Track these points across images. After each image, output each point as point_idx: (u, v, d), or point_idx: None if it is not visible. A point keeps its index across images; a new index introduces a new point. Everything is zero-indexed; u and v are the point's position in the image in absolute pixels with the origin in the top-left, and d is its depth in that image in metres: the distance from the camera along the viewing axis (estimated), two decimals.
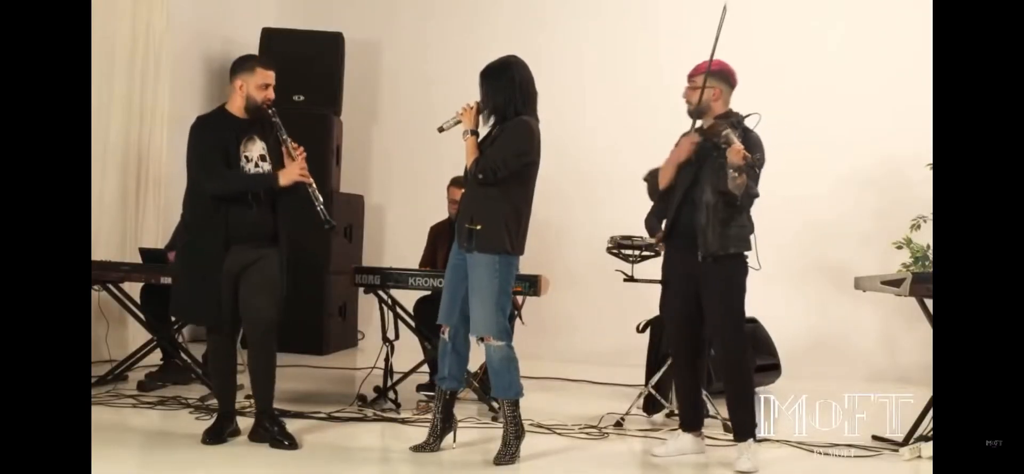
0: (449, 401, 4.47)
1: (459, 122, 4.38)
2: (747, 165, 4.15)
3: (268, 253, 4.40)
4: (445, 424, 4.46)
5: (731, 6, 4.44)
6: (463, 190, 5.87)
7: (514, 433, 4.31)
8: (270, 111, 4.41)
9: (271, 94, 4.44)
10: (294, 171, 4.37)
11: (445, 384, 4.44)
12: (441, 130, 4.45)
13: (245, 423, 4.59)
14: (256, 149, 4.43)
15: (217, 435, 4.44)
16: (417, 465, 4.36)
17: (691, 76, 4.54)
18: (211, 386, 5.17)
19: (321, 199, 4.42)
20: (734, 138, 4.21)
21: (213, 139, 4.38)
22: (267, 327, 4.42)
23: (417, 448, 4.42)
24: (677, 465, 4.49)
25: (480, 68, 4.44)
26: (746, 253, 4.43)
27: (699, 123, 4.49)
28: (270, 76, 4.45)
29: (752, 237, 4.43)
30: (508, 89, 4.30)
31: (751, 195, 4.33)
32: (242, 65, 4.47)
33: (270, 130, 4.45)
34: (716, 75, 4.46)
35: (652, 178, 4.68)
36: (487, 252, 4.22)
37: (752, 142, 4.36)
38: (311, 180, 4.40)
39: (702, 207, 4.36)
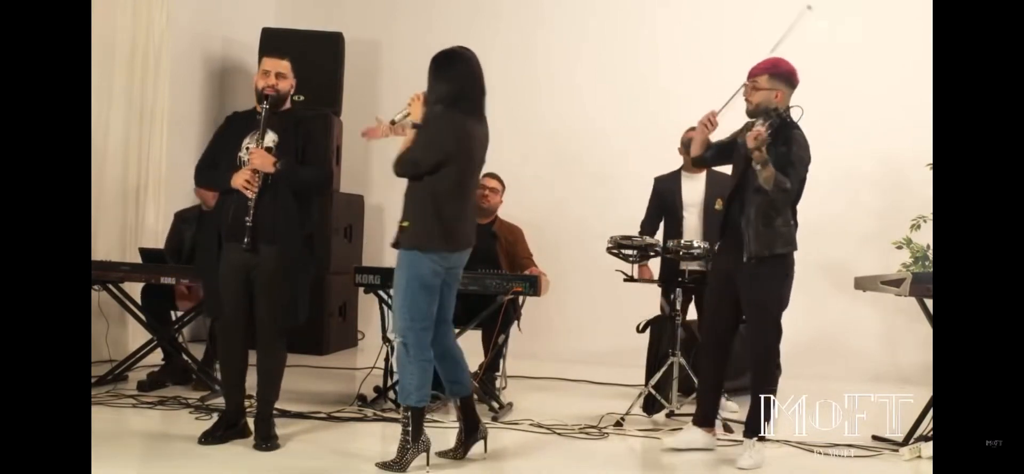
0: (464, 406, 4.31)
1: (408, 114, 4.21)
2: (765, 155, 4.14)
3: (267, 254, 4.33)
4: (468, 432, 4.30)
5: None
6: (493, 181, 5.88)
7: (404, 440, 4.07)
8: (265, 103, 4.39)
9: (272, 80, 4.42)
10: (239, 177, 4.30)
11: (447, 391, 4.38)
12: (393, 123, 4.31)
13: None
14: (263, 142, 4.39)
15: (218, 435, 4.43)
16: (417, 464, 4.36)
17: (751, 75, 4.47)
18: (213, 383, 5.28)
19: (251, 214, 4.27)
20: (759, 127, 4.18)
21: (221, 133, 4.54)
22: (267, 330, 4.39)
23: (442, 454, 4.28)
24: (683, 463, 4.50)
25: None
26: (792, 252, 4.40)
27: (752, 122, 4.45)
28: (270, 63, 4.47)
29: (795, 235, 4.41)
30: (445, 81, 4.13)
31: (783, 189, 4.25)
32: (259, 63, 4.58)
33: (292, 124, 4.44)
34: (778, 76, 4.41)
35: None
36: (410, 248, 4.06)
37: (793, 140, 4.33)
38: (251, 191, 4.27)
39: (747, 207, 4.36)
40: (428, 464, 4.14)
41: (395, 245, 4.12)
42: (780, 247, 4.35)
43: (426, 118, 4.11)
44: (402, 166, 4.09)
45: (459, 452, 4.28)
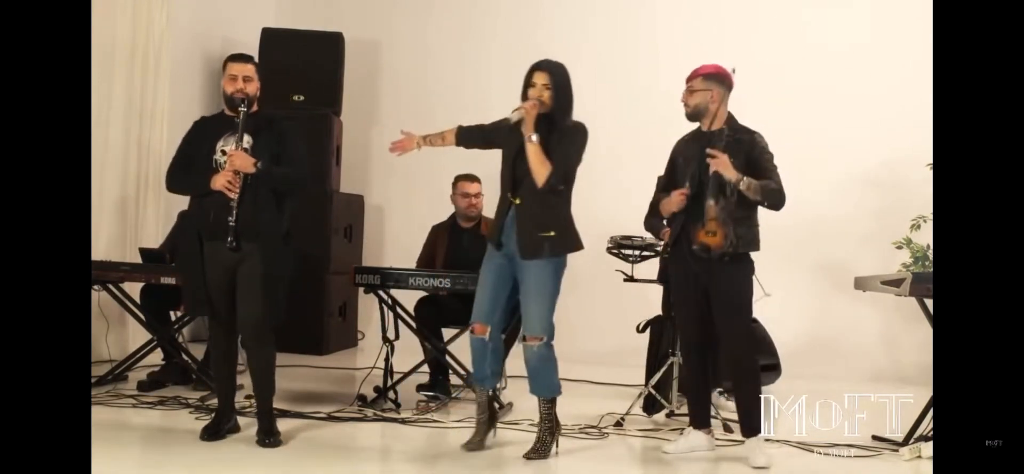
0: (493, 399, 4.65)
1: (521, 119, 4.33)
2: (739, 175, 4.29)
3: (250, 252, 4.33)
4: (491, 422, 4.60)
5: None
6: (475, 185, 5.83)
7: (548, 429, 4.43)
8: (241, 107, 4.40)
9: (240, 84, 4.44)
10: (221, 179, 4.33)
11: (488, 383, 4.53)
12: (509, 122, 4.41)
13: (247, 422, 4.61)
14: (241, 144, 4.40)
15: (214, 432, 4.46)
16: (417, 464, 4.37)
17: (688, 80, 4.58)
18: (212, 382, 5.22)
19: (234, 214, 4.30)
20: (718, 154, 4.30)
21: (191, 138, 4.53)
22: (252, 330, 4.39)
23: (466, 446, 4.50)
24: (684, 462, 4.50)
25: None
26: (752, 254, 4.46)
27: (697, 125, 4.56)
28: (237, 68, 4.49)
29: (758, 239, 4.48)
30: (570, 94, 4.40)
31: (772, 191, 4.35)
32: (223, 68, 4.56)
33: (265, 125, 4.47)
34: (711, 78, 4.51)
35: (651, 226, 4.86)
36: (560, 254, 4.32)
37: (754, 144, 4.41)
38: (233, 192, 4.30)
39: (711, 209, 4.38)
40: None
41: (535, 255, 4.29)
42: (747, 247, 4.42)
43: (572, 128, 4.36)
44: (560, 179, 4.29)
45: (479, 442, 4.50)
